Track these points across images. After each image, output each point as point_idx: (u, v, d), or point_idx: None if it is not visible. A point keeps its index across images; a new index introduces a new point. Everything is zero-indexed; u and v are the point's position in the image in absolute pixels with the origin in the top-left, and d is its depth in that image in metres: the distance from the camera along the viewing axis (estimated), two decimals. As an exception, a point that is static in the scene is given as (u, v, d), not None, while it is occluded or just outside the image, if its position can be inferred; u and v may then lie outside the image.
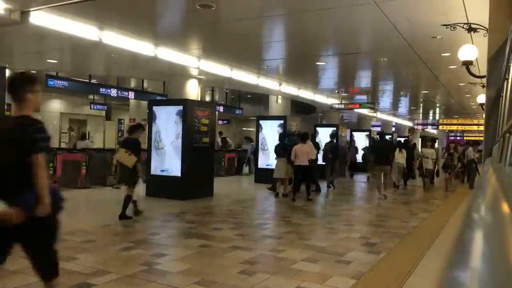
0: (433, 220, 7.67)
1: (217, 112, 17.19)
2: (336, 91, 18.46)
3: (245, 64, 12.56)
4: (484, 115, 6.05)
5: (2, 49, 11.04)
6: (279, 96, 17.84)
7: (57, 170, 10.19)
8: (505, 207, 0.81)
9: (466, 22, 7.12)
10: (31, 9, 7.38)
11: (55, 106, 20.61)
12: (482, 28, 6.81)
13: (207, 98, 21.36)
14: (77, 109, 21.98)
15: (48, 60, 12.22)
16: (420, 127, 35.45)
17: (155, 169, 9.65)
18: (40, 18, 7.57)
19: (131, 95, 16.69)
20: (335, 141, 12.99)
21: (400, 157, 12.48)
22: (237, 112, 22.23)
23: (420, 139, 29.09)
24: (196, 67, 11.60)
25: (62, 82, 13.98)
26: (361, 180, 15.54)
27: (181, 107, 9.38)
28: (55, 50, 10.80)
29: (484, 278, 0.47)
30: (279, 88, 15.57)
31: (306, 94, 17.59)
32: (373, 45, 9.77)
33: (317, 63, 12.23)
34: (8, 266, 4.28)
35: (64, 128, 20.96)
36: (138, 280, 3.94)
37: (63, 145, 18.47)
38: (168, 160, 9.46)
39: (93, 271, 4.14)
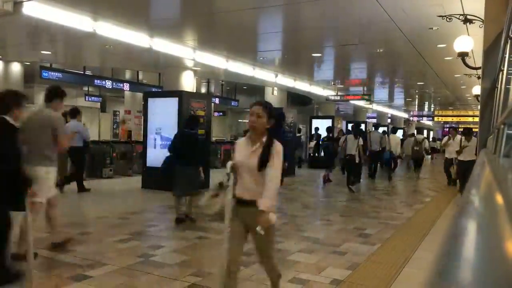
0: (428, 211, 7.72)
1: (212, 104, 17.14)
2: (332, 83, 18.44)
3: (241, 56, 12.51)
4: (479, 107, 6.07)
5: (-5, 40, 10.93)
6: (275, 88, 17.80)
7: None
8: (499, 198, 0.81)
9: (462, 13, 7.11)
10: (24, 0, 7.30)
11: (50, 98, 20.45)
12: (478, 19, 6.81)
13: (203, 90, 21.28)
14: (72, 101, 21.80)
15: (42, 52, 12.10)
16: (415, 119, 35.56)
17: (150, 162, 9.63)
18: (33, 8, 7.48)
19: (126, 86, 16.60)
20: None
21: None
22: (232, 104, 22.17)
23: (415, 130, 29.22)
24: (192, 58, 11.54)
25: (56, 74, 13.88)
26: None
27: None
28: (49, 42, 10.70)
29: (477, 267, 0.47)
30: (275, 79, 15.53)
31: (302, 85, 17.55)
32: (369, 36, 9.74)
33: (313, 54, 12.19)
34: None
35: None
36: (134, 272, 3.95)
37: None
38: (164, 152, 9.44)
39: (89, 263, 4.15)
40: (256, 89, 20.33)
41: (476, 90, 11.92)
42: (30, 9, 7.46)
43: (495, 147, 2.47)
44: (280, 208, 7.79)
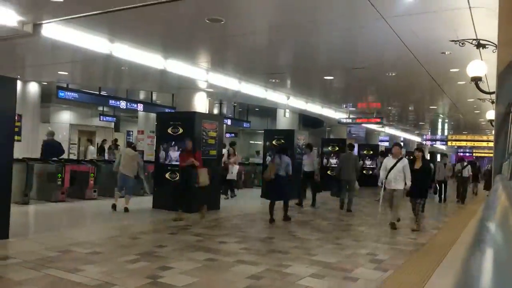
0: (443, 237, 7.56)
1: (224, 125, 17.24)
2: (344, 106, 18.45)
3: (253, 78, 12.63)
4: (493, 131, 6.00)
5: (14, 61, 11.22)
6: (287, 110, 17.86)
7: (65, 181, 10.20)
8: (515, 225, 0.79)
9: (475, 38, 7.11)
10: (44, 22, 7.52)
11: (65, 117, 20.82)
12: (491, 44, 6.79)
13: (215, 111, 21.46)
14: (87, 120, 22.17)
15: (59, 72, 12.38)
16: (428, 143, 35.23)
17: (162, 181, 9.66)
18: (52, 30, 7.70)
19: (140, 107, 16.84)
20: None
21: None
22: (244, 125, 22.29)
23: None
24: (205, 80, 11.69)
25: (73, 94, 14.14)
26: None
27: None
28: (66, 62, 10.95)
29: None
30: (287, 101, 15.60)
31: (314, 108, 17.60)
32: (382, 60, 9.78)
33: (325, 77, 12.25)
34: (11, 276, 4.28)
35: (74, 139, 21.15)
36: (143, 293, 3.91)
37: (72, 156, 18.61)
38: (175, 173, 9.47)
39: (98, 283, 4.12)
40: (268, 111, 20.43)
41: (490, 114, 11.81)
42: (49, 31, 7.67)
43: (511, 173, 2.43)
44: (290, 230, 7.70)
